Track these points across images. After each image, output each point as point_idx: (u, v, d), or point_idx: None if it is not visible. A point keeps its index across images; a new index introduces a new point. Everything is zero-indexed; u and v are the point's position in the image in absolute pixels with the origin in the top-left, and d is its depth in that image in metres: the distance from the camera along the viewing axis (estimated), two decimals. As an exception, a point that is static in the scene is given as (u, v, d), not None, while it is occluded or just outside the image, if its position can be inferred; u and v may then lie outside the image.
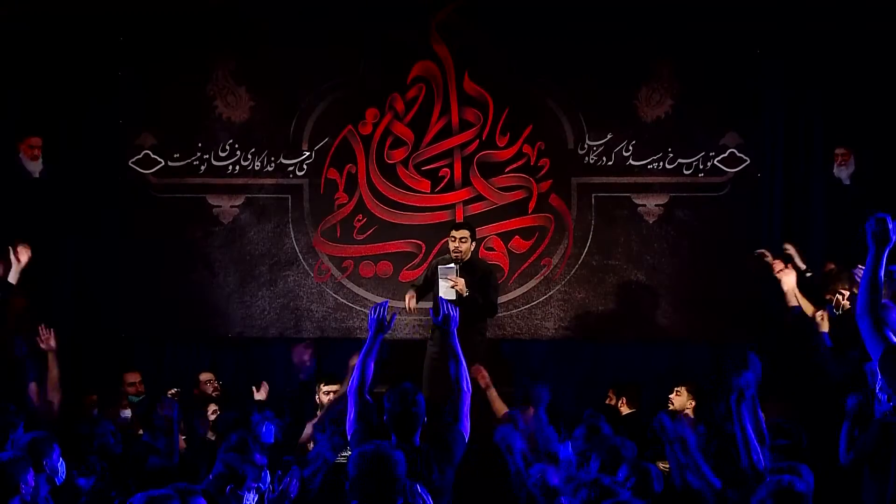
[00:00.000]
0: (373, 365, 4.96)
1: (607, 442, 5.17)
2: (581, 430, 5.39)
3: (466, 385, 4.87)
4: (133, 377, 8.24)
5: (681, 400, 7.26)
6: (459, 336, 7.38)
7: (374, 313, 5.01)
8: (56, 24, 8.69)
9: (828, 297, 6.62)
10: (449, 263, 7.56)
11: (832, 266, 7.89)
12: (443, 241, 8.66)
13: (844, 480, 5.18)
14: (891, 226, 4.02)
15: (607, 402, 7.71)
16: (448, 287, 7.45)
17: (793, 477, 4.02)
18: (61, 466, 5.12)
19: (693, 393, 7.27)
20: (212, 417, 7.38)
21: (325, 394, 7.84)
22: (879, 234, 4.02)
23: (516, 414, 5.87)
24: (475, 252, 7.87)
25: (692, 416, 7.19)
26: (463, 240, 7.61)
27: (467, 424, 4.79)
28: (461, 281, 7.45)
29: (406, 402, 4.57)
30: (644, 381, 8.06)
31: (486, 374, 7.29)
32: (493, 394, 7.31)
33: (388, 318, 5.00)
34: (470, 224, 7.96)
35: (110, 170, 8.87)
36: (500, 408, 7.18)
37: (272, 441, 6.27)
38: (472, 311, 7.53)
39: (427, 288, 7.78)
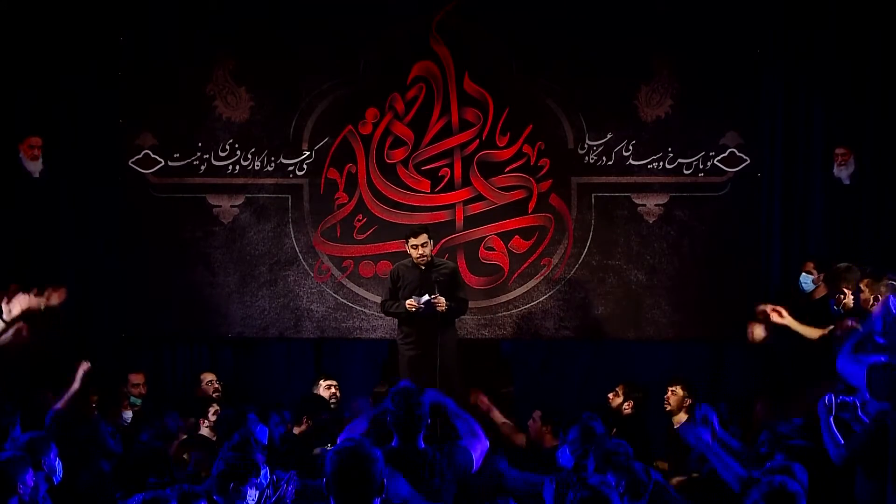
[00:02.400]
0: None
1: (602, 443, 5.17)
2: (575, 432, 5.39)
3: (484, 438, 4.80)
4: (137, 378, 8.25)
5: (676, 399, 7.28)
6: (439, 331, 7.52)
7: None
8: (56, 24, 8.69)
9: (844, 288, 6.62)
10: (424, 295, 7.51)
11: (811, 265, 7.92)
12: (443, 242, 8.69)
13: (839, 479, 5.16)
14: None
15: (612, 395, 7.71)
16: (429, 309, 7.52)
17: (784, 477, 4.03)
18: (59, 466, 5.12)
19: (688, 391, 7.29)
20: (212, 419, 7.39)
21: (327, 388, 7.92)
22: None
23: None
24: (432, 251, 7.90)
25: (688, 415, 7.22)
26: (424, 245, 7.66)
27: (477, 459, 4.69)
28: (442, 300, 7.51)
29: (409, 404, 4.55)
30: (644, 381, 8.06)
31: (485, 398, 7.34)
32: (496, 415, 7.34)
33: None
34: (424, 226, 7.90)
35: (110, 170, 8.87)
36: (507, 430, 7.22)
37: (266, 442, 6.28)
38: (448, 316, 7.66)
39: (396, 294, 7.81)
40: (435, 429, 5.14)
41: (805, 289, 8.13)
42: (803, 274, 8.17)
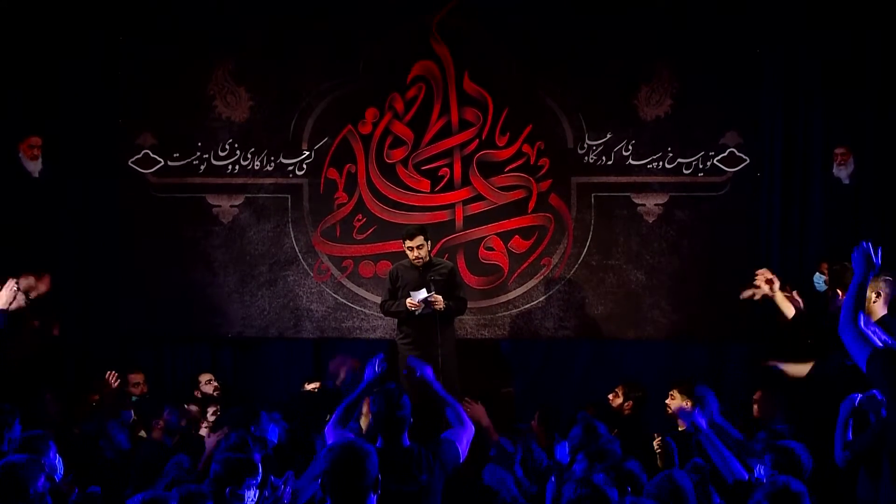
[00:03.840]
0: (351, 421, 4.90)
1: (597, 442, 5.18)
2: (577, 430, 5.41)
3: (469, 424, 4.84)
4: (137, 377, 8.27)
5: (676, 403, 7.24)
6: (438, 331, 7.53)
7: (371, 369, 5.02)
8: (56, 24, 8.70)
9: (837, 290, 6.62)
10: (420, 289, 7.56)
11: (825, 265, 7.92)
12: (443, 242, 8.70)
13: (840, 478, 5.16)
14: (873, 253, 4.43)
15: (612, 396, 7.70)
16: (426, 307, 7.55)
17: (788, 477, 4.01)
18: (59, 464, 5.11)
19: (687, 394, 7.24)
20: (211, 419, 7.40)
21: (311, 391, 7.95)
22: (865, 263, 4.44)
23: (505, 443, 5.89)
24: (430, 251, 7.89)
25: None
26: (420, 247, 7.67)
27: (463, 449, 4.72)
28: (440, 298, 7.54)
29: (391, 405, 4.56)
30: (644, 381, 8.05)
31: (483, 413, 7.20)
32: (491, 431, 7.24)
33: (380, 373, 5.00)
34: (421, 227, 7.88)
35: (110, 170, 8.87)
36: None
37: (276, 441, 6.28)
38: (447, 316, 7.68)
39: (395, 294, 7.85)
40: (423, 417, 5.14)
41: (818, 289, 8.15)
42: (816, 274, 8.19)
